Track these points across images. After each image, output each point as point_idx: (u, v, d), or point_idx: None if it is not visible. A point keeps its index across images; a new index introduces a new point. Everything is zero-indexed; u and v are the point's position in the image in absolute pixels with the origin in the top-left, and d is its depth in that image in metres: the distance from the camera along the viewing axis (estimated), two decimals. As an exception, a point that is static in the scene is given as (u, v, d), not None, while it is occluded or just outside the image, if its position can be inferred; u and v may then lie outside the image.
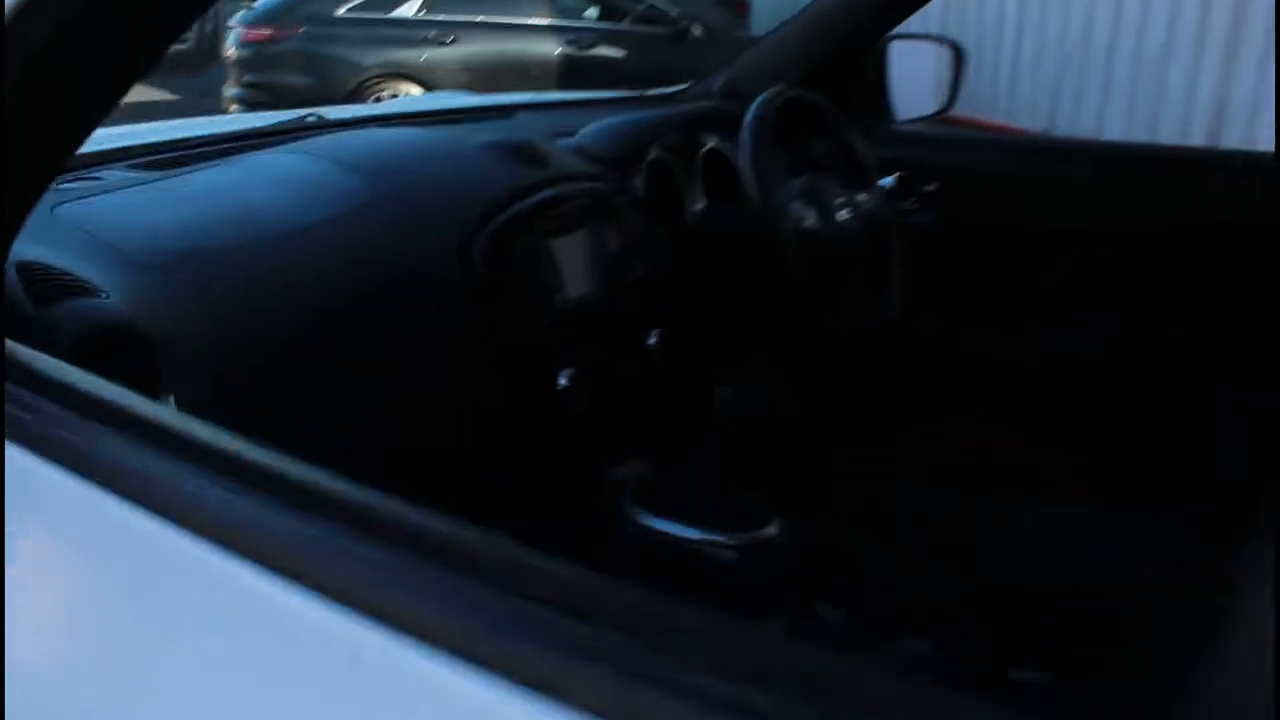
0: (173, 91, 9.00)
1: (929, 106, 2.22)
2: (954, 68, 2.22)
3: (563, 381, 1.38)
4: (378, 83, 7.31)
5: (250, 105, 7.03)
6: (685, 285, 1.64)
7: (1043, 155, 1.91)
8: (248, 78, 7.34)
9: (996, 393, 1.93)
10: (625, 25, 7.98)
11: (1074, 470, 1.66)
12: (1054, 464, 1.67)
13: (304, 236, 1.21)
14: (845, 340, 1.63)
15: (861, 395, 1.99)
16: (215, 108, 7.26)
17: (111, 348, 0.95)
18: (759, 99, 1.61)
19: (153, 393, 0.97)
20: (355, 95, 7.11)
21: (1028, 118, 7.25)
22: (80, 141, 0.80)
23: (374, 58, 7.35)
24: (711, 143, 1.82)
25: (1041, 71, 7.27)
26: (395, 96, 7.00)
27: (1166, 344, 1.78)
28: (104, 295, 0.99)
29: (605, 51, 7.82)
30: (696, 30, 7.85)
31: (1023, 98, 7.37)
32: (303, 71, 7.26)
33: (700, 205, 1.75)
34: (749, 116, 1.58)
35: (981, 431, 1.77)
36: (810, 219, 1.61)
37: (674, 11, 7.91)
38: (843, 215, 1.65)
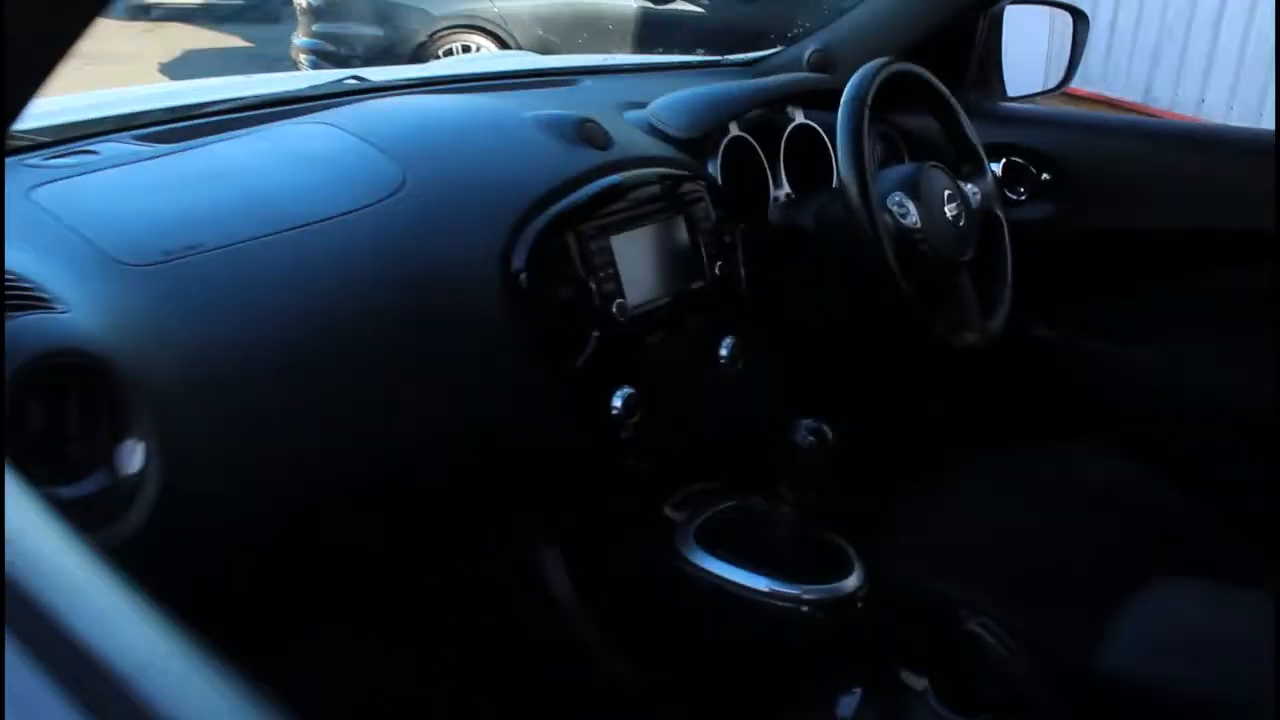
0: (246, 39, 8.90)
1: (1038, 81, 1.98)
2: (1074, 36, 1.97)
3: (617, 404, 1.19)
4: (450, 34, 7.10)
5: (320, 56, 6.88)
6: (765, 288, 1.43)
7: (1180, 142, 1.66)
8: (316, 26, 7.17)
9: (1121, 428, 1.70)
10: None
11: (1215, 532, 1.43)
12: (1192, 522, 1.45)
13: (322, 233, 1.02)
14: (945, 361, 1.41)
15: (960, 424, 1.77)
16: (286, 56, 7.14)
17: (67, 379, 0.77)
18: (859, 71, 1.38)
19: (122, 435, 0.80)
20: (425, 48, 6.93)
21: (1121, 88, 6.83)
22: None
23: (446, 7, 7.14)
24: (800, 120, 1.60)
25: (1140, 41, 6.84)
26: (466, 51, 6.81)
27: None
28: (62, 309, 0.81)
29: (686, 6, 7.54)
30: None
31: (1118, 68, 6.96)
32: (373, 21, 7.08)
33: (785, 193, 1.54)
34: (848, 92, 1.36)
35: (1103, 472, 1.55)
36: (912, 215, 1.38)
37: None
38: (951, 211, 1.42)
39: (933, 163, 1.45)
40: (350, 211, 1.05)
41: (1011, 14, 1.85)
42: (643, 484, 1.32)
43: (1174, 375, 1.68)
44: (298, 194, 1.07)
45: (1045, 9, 1.93)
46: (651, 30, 7.25)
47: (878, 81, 1.36)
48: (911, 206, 1.39)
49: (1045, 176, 1.72)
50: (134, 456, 0.80)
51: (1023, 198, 1.73)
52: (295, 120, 1.27)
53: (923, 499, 1.50)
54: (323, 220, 1.03)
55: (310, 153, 1.16)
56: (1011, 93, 1.87)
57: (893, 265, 1.31)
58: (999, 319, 1.49)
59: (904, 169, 1.44)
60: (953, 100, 1.51)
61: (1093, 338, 1.75)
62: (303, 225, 1.02)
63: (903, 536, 1.43)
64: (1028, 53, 1.94)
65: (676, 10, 7.52)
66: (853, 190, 1.31)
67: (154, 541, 0.79)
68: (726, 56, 1.90)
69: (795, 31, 1.90)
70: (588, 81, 1.68)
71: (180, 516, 0.82)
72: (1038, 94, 1.93)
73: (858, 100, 1.33)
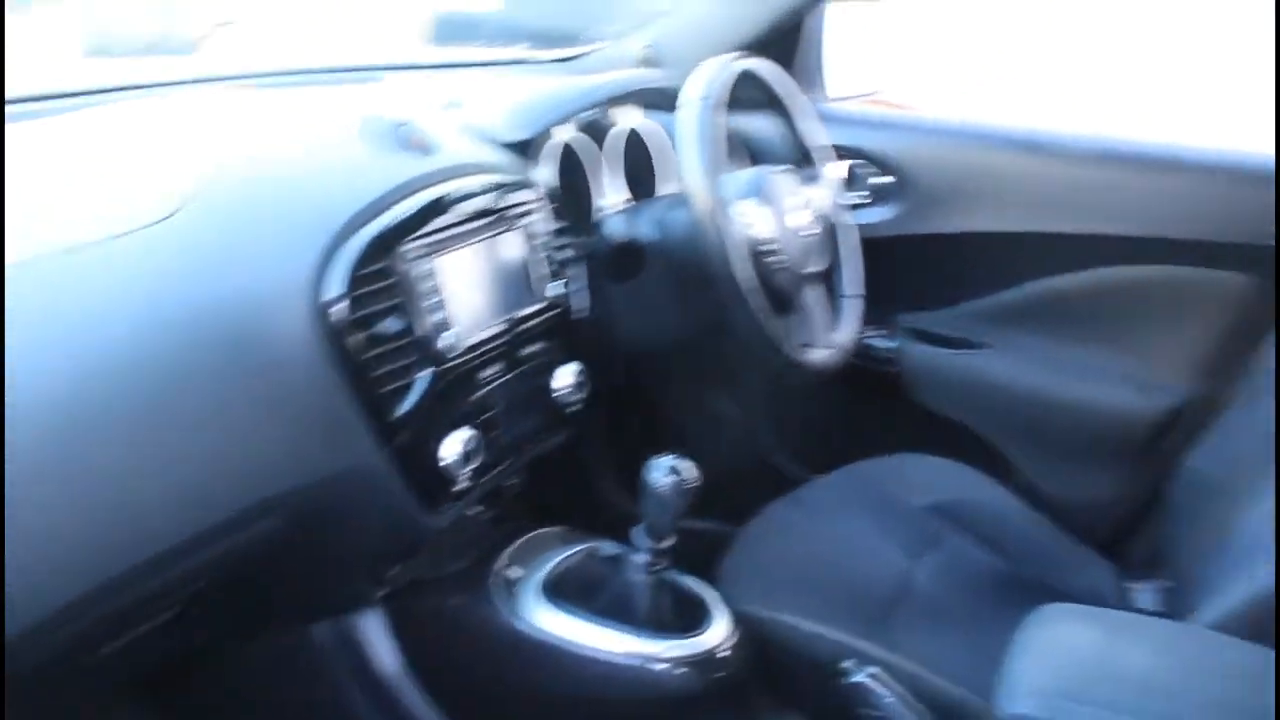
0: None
1: (856, 82, 1.91)
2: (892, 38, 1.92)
3: (452, 451, 1.03)
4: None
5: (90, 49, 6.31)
6: (607, 308, 1.29)
7: (1022, 147, 1.61)
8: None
9: (966, 437, 1.66)
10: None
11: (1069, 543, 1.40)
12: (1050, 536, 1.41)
13: (75, 263, 0.82)
14: (798, 376, 1.32)
15: (807, 443, 1.69)
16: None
17: None
18: (705, 68, 1.26)
19: None
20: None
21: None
22: None
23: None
24: (636, 121, 1.47)
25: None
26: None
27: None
28: None
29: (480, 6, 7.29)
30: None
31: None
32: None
33: (623, 201, 1.41)
34: (694, 90, 1.23)
35: (955, 489, 1.50)
36: (761, 224, 1.28)
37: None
38: (800, 219, 1.32)
39: (781, 167, 1.35)
40: (117, 236, 0.86)
41: (831, 12, 1.78)
42: (482, 535, 1.17)
43: (1015, 379, 1.64)
44: (43, 212, 0.86)
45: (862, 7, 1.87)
46: (448, 32, 6.97)
47: (725, 78, 1.25)
48: (759, 215, 1.28)
49: (885, 179, 1.65)
50: None
51: (866, 202, 1.65)
52: (43, 117, 1.06)
53: (777, 528, 1.40)
54: (78, 247, 0.83)
55: (66, 161, 0.96)
56: (831, 94, 1.81)
57: (741, 280, 1.20)
58: (850, 332, 1.41)
59: (750, 174, 1.33)
60: (804, 100, 1.42)
61: (931, 345, 1.69)
62: (54, 252, 0.82)
63: (761, 573, 1.33)
64: (845, 53, 1.88)
65: (471, 13, 7.24)
66: (700, 199, 1.19)
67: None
68: (542, 52, 1.76)
69: (612, 27, 1.78)
70: (392, 78, 1.50)
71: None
72: (857, 96, 1.87)
73: (706, 100, 1.21)
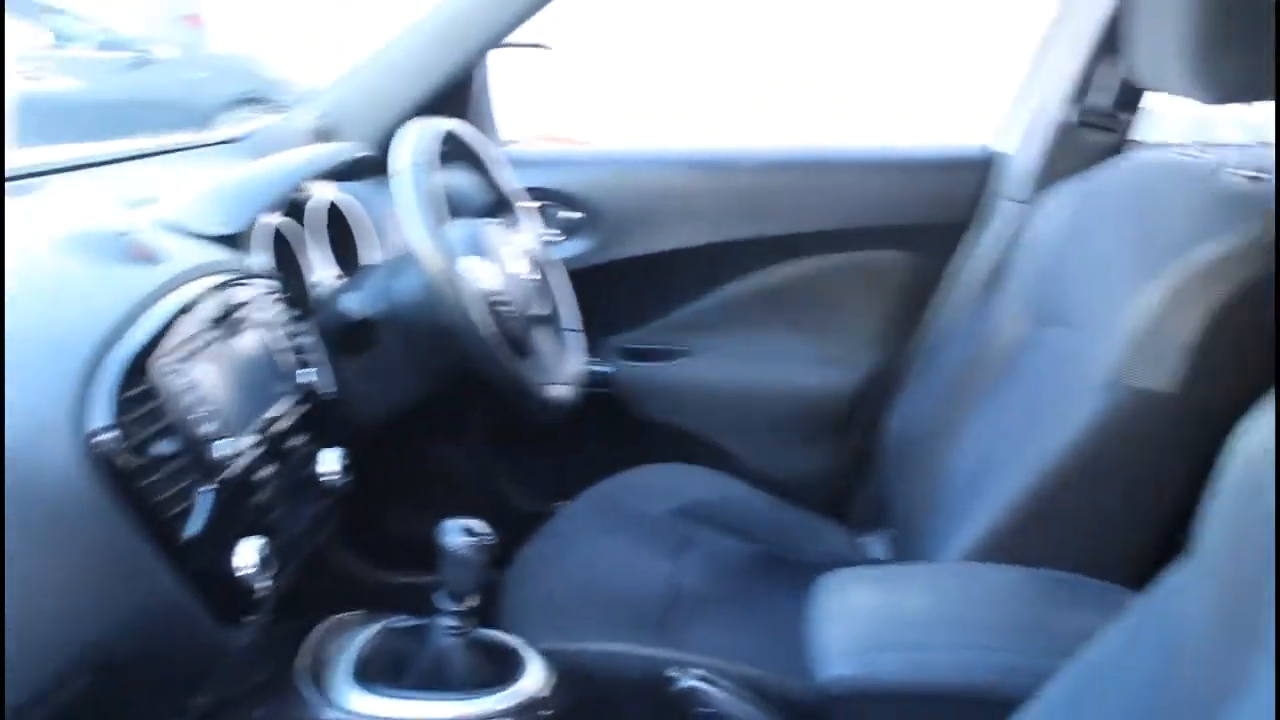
0: None
1: (512, 126, 1.99)
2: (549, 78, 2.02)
3: (246, 562, 0.99)
4: None
5: None
6: (351, 384, 1.28)
7: (699, 166, 1.75)
8: None
9: (693, 442, 1.77)
10: (81, 50, 6.94)
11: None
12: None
13: None
14: (549, 415, 1.36)
15: (554, 474, 1.74)
16: None
17: None
18: (409, 134, 1.28)
19: None
20: None
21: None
22: None
23: None
24: (335, 195, 1.46)
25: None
26: None
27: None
28: None
29: (61, 81, 6.75)
30: (162, 51, 7.03)
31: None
32: None
33: (335, 276, 1.40)
34: (404, 158, 1.25)
35: (696, 488, 1.60)
36: (488, 276, 1.31)
37: (131, 35, 7.02)
38: (520, 266, 1.37)
39: (492, 219, 1.39)
40: None
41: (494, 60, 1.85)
42: (278, 637, 1.13)
43: (720, 378, 1.78)
44: None
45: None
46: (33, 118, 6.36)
47: (433, 141, 1.27)
48: (484, 268, 1.32)
49: (573, 215, 1.73)
50: None
51: (560, 239, 1.73)
52: None
53: (541, 564, 1.44)
54: None
55: None
56: (503, 138, 1.87)
57: (486, 333, 1.23)
58: (578, 364, 1.48)
59: (464, 230, 1.36)
60: (497, 151, 1.47)
61: (641, 361, 1.80)
62: None
63: (544, 610, 1.36)
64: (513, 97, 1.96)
65: (48, 92, 6.69)
66: (430, 260, 1.21)
67: None
68: (207, 135, 1.70)
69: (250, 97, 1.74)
70: (57, 181, 1.40)
71: None
72: (522, 140, 1.95)
73: (418, 164, 1.23)
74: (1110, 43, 1.56)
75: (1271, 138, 1.18)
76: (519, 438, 1.76)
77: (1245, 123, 1.27)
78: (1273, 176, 1.18)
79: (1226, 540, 0.74)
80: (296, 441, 1.14)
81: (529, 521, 1.51)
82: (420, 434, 1.53)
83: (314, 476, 1.17)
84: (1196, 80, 1.15)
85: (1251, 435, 0.74)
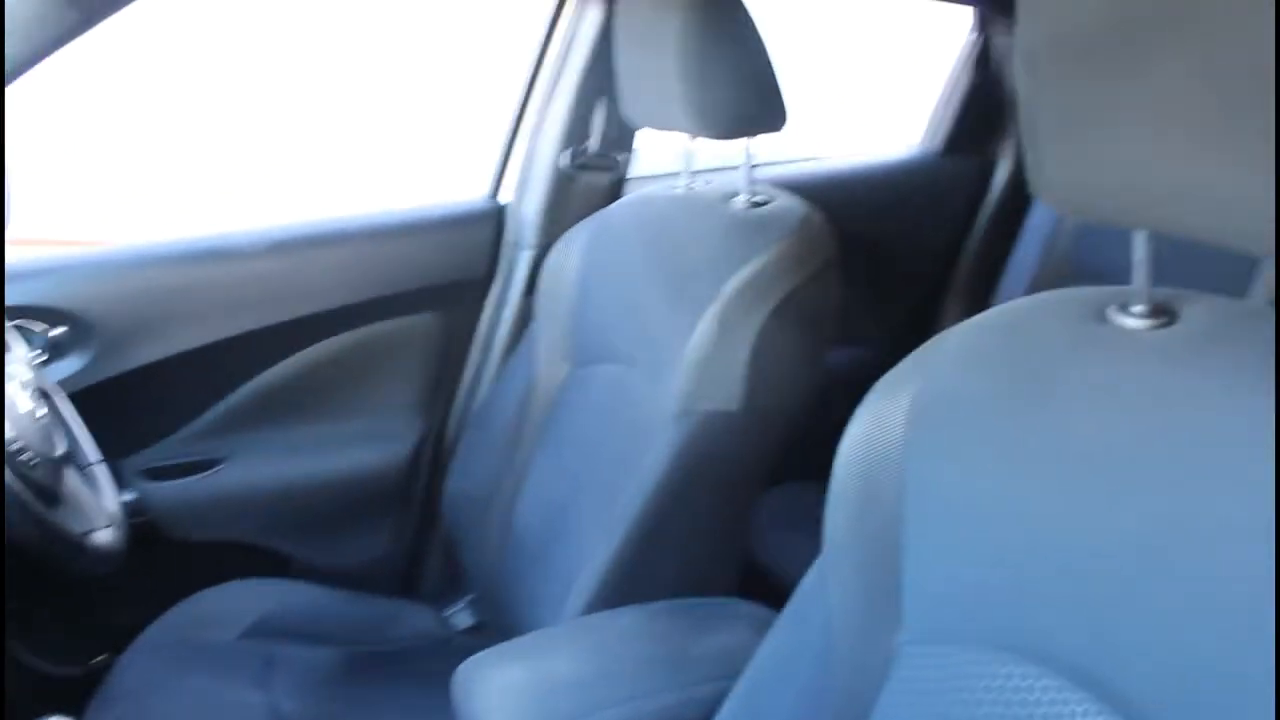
0: None
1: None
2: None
3: None
4: None
5: None
6: None
7: (203, 257, 1.58)
8: None
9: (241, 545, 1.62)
10: None
11: None
12: None
13: None
14: (102, 565, 1.17)
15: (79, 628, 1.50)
16: None
17: None
18: None
19: None
20: None
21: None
22: None
23: None
24: None
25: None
26: None
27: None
28: None
29: None
30: None
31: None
32: None
33: None
34: None
35: None
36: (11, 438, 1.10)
37: None
38: (27, 404, 1.17)
39: None
40: None
41: None
42: None
43: (262, 479, 1.64)
44: None
45: None
46: None
47: None
48: None
49: (56, 331, 1.51)
50: None
51: (44, 359, 1.49)
52: None
53: None
54: None
55: None
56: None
57: (16, 491, 1.03)
58: (113, 498, 1.29)
59: None
60: None
61: (172, 479, 1.61)
62: None
63: None
64: None
65: None
66: None
67: None
68: None
69: None
70: None
71: None
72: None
73: None
74: (600, 87, 1.65)
75: (749, 162, 1.31)
76: (44, 600, 1.50)
77: (719, 153, 1.41)
78: (773, 199, 1.31)
79: (852, 533, 0.80)
80: None
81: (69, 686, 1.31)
82: None
83: None
84: (697, 119, 1.25)
85: (855, 434, 0.81)
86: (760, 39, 1.26)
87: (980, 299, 2.04)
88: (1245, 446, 0.61)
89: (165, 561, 1.57)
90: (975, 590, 0.73)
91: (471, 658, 1.06)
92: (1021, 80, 0.64)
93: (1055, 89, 0.63)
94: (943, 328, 0.82)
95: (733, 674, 0.89)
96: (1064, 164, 0.65)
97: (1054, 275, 1.91)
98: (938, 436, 0.75)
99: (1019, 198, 2.05)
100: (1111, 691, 0.65)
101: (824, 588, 0.82)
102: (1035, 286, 1.92)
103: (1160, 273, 0.70)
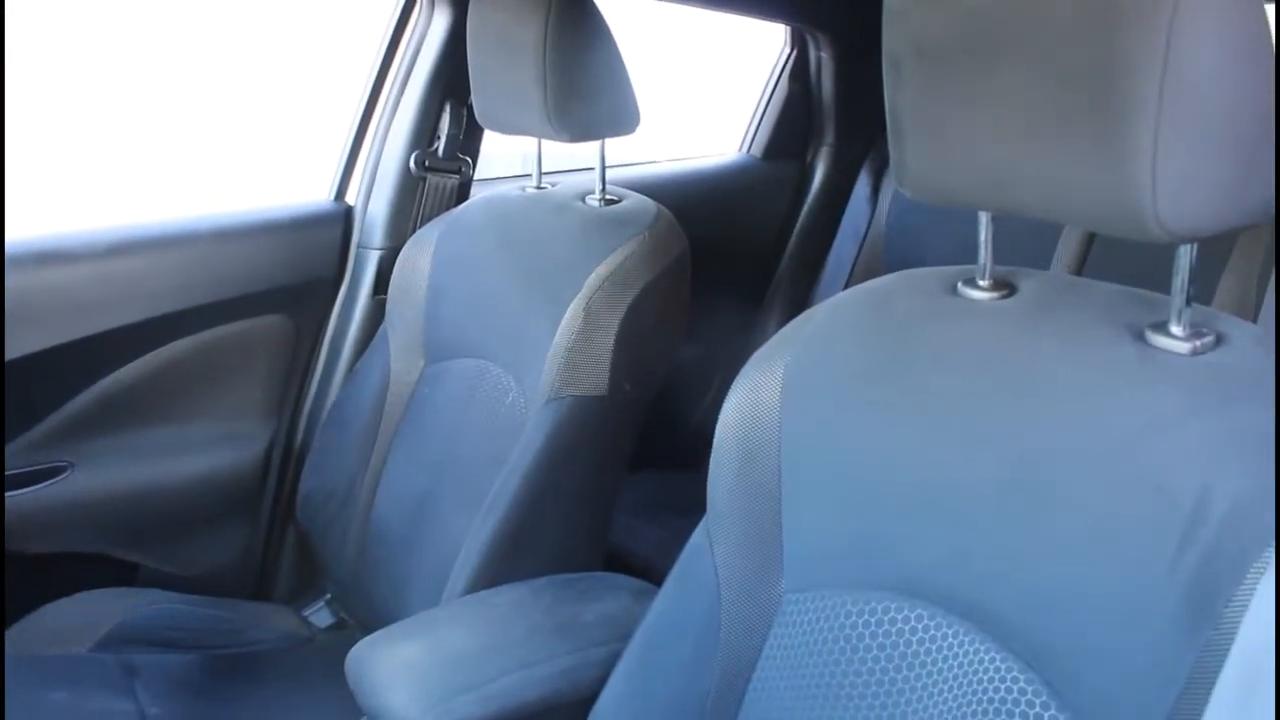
0: None
1: None
2: None
3: None
4: None
5: None
6: None
7: (36, 259, 1.51)
8: None
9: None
10: None
11: None
12: None
13: None
14: None
15: None
16: None
17: None
18: None
19: None
20: None
21: None
22: None
23: None
24: None
25: None
26: None
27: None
28: None
29: None
30: None
31: None
32: None
33: None
34: None
35: None
36: None
37: None
38: None
39: None
40: None
41: None
42: None
43: (111, 485, 1.59)
44: None
45: None
46: None
47: None
48: None
49: None
50: None
51: None
52: None
53: None
54: None
55: None
56: None
57: None
58: None
59: None
60: None
61: (14, 490, 1.55)
62: None
63: None
64: None
65: None
66: None
67: None
68: None
69: None
70: None
71: None
72: None
73: None
74: (447, 90, 1.69)
75: (604, 164, 1.39)
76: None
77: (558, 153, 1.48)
78: (624, 198, 1.39)
79: (734, 493, 0.89)
80: None
81: None
82: None
83: None
84: (553, 124, 1.32)
85: (733, 403, 0.90)
86: (614, 42, 1.34)
87: (803, 294, 2.17)
88: (1075, 391, 0.73)
89: (9, 575, 1.52)
90: (848, 536, 0.83)
91: (365, 639, 1.09)
92: (886, 83, 0.75)
93: (915, 92, 0.73)
94: (769, 323, 0.94)
95: (623, 637, 0.96)
96: (922, 157, 0.76)
97: (867, 270, 2.06)
98: (810, 399, 0.85)
99: (835, 200, 2.20)
100: (979, 616, 0.75)
101: (709, 547, 0.90)
102: (853, 281, 2.07)
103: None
